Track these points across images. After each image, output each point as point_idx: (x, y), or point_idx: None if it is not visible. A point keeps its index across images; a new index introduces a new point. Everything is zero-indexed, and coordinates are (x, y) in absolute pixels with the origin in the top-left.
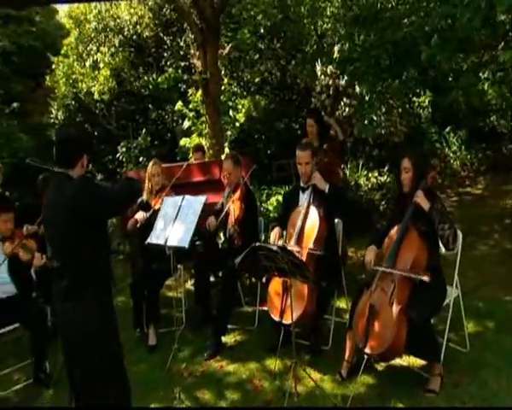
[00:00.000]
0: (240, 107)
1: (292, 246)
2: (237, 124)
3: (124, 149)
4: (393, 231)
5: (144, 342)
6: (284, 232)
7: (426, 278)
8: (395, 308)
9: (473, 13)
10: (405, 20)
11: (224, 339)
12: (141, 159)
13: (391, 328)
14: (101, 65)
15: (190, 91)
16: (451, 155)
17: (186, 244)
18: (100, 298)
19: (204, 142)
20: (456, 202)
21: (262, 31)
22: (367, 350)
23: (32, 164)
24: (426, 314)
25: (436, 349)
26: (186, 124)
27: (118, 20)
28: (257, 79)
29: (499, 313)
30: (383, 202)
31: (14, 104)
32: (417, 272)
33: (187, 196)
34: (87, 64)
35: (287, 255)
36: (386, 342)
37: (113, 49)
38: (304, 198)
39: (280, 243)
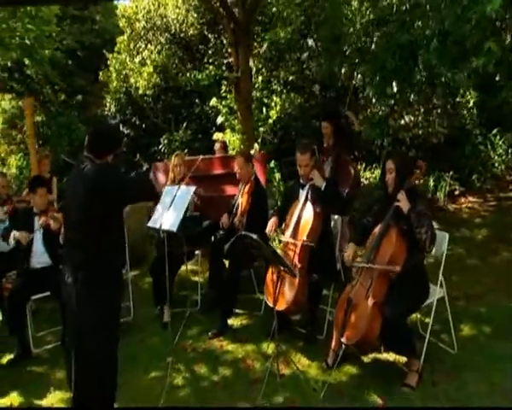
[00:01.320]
0: (273, 104)
1: (287, 237)
2: (270, 121)
3: (166, 142)
4: (376, 229)
5: (161, 318)
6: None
7: (397, 269)
8: (370, 302)
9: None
10: (419, 23)
11: (230, 322)
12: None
13: (364, 320)
14: (148, 61)
15: (224, 88)
16: (496, 158)
17: (175, 228)
18: (113, 275)
19: (235, 137)
20: (494, 206)
21: (299, 28)
22: (343, 340)
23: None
24: (400, 311)
25: (410, 346)
26: (220, 119)
27: (164, 19)
28: (291, 77)
29: (499, 319)
30: None
31: (79, 97)
32: (390, 266)
33: (182, 187)
34: (136, 60)
35: (266, 245)
36: (359, 332)
37: (159, 47)
38: (303, 194)
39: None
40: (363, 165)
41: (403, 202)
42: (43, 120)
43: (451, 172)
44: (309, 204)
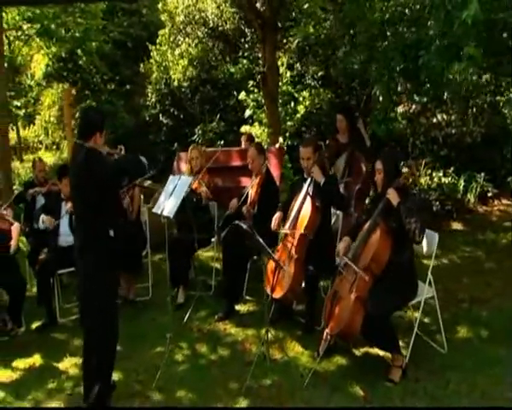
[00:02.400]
0: (301, 99)
1: (285, 229)
2: (298, 115)
3: (200, 132)
4: (365, 226)
5: (176, 300)
6: None
7: (366, 278)
8: (352, 296)
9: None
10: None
11: (238, 307)
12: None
13: (346, 313)
14: (185, 54)
15: (251, 82)
16: None
17: (172, 215)
18: (103, 248)
19: (262, 130)
20: None
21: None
22: (327, 330)
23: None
24: (382, 307)
25: (392, 342)
26: (248, 112)
27: (202, 13)
28: (320, 73)
29: (499, 324)
30: (437, 203)
31: (128, 86)
32: (369, 267)
33: (182, 177)
34: (176, 53)
35: (253, 235)
36: (341, 324)
37: (196, 40)
38: (304, 188)
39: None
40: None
41: (392, 197)
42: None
43: (483, 174)
44: (308, 198)
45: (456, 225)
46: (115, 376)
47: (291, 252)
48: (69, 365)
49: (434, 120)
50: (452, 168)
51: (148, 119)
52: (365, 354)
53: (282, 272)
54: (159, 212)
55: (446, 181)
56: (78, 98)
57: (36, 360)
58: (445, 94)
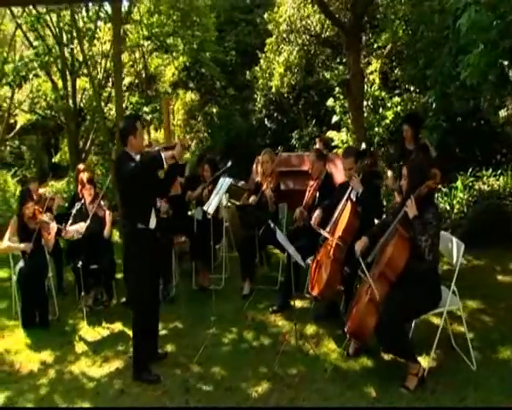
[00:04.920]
0: (389, 105)
1: (325, 231)
2: (387, 121)
3: (297, 137)
4: (386, 232)
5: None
6: None
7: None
8: (366, 298)
9: None
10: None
11: (295, 303)
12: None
13: (359, 314)
14: (284, 61)
15: (337, 89)
16: None
17: (211, 211)
18: (134, 237)
19: (348, 136)
20: None
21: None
22: (346, 329)
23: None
24: (394, 313)
25: (404, 349)
26: (334, 118)
27: (303, 21)
28: (417, 76)
29: None
30: None
31: (246, 92)
32: (383, 273)
33: (226, 178)
34: (280, 60)
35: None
36: (354, 325)
37: (297, 48)
38: (347, 193)
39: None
40: (490, 170)
41: (410, 209)
42: (216, 111)
43: None
44: (349, 203)
45: None
46: (169, 348)
47: (329, 253)
48: None
49: None
50: None
51: (254, 123)
52: (392, 359)
53: (320, 271)
54: (205, 209)
55: None
56: (201, 103)
57: (115, 326)
58: None
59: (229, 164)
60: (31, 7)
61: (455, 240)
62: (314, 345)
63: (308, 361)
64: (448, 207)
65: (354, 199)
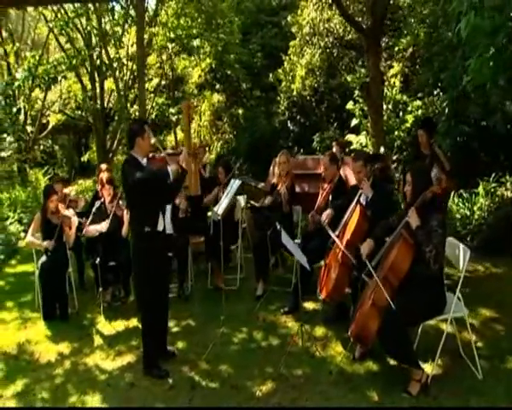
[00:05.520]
0: (409, 108)
1: (334, 234)
2: (407, 125)
3: (318, 139)
4: (391, 236)
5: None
6: None
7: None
8: (369, 302)
9: None
10: None
11: (307, 305)
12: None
13: (362, 317)
14: (305, 64)
15: (356, 92)
16: None
17: (220, 212)
18: (142, 238)
19: (367, 140)
20: None
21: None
22: (349, 332)
23: None
24: (397, 318)
25: (406, 354)
26: (354, 121)
27: (326, 24)
28: (431, 80)
29: None
30: None
31: (267, 94)
32: (387, 277)
33: (236, 180)
34: (302, 62)
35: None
36: (357, 328)
37: (320, 51)
38: (356, 196)
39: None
40: None
41: (412, 219)
42: (242, 113)
43: None
44: (358, 206)
45: None
46: (180, 344)
47: (337, 257)
48: None
49: None
50: None
51: (278, 125)
52: (397, 364)
53: (329, 274)
54: (215, 210)
55: None
56: (227, 105)
57: (131, 322)
58: None
59: (238, 164)
60: (62, 10)
61: (462, 246)
62: (321, 347)
63: (314, 363)
64: (468, 213)
65: (364, 203)
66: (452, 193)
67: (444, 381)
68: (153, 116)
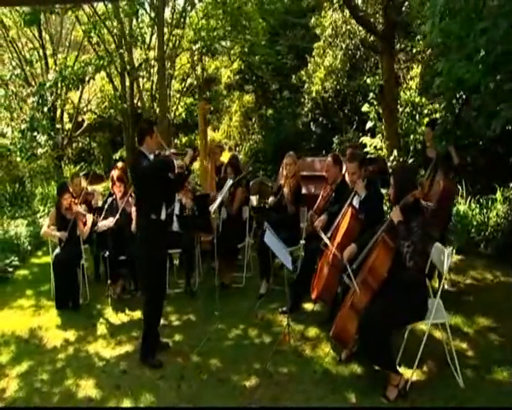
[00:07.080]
0: (426, 111)
1: (325, 236)
2: (423, 128)
3: (337, 141)
4: (372, 240)
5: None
6: None
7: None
8: (348, 304)
9: None
10: None
11: (306, 305)
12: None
13: (341, 319)
14: (327, 66)
15: (371, 94)
16: None
17: (212, 210)
18: (147, 229)
19: (381, 143)
20: None
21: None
22: (330, 333)
23: None
24: (377, 321)
25: (384, 359)
26: (369, 124)
27: (348, 26)
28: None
29: None
30: None
31: (293, 95)
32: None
33: (229, 180)
34: (325, 64)
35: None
36: (336, 329)
37: (341, 52)
38: (349, 199)
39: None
40: None
41: (394, 214)
42: (270, 113)
43: None
44: (350, 209)
45: None
46: (177, 337)
47: (328, 258)
48: None
49: None
50: None
51: (301, 126)
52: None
53: (320, 275)
54: (210, 208)
55: None
56: (257, 105)
57: (135, 314)
58: None
59: (250, 168)
60: (94, 14)
61: (446, 251)
62: (311, 347)
63: (300, 362)
64: (485, 220)
65: (357, 204)
66: (469, 198)
67: (425, 387)
68: (183, 115)
